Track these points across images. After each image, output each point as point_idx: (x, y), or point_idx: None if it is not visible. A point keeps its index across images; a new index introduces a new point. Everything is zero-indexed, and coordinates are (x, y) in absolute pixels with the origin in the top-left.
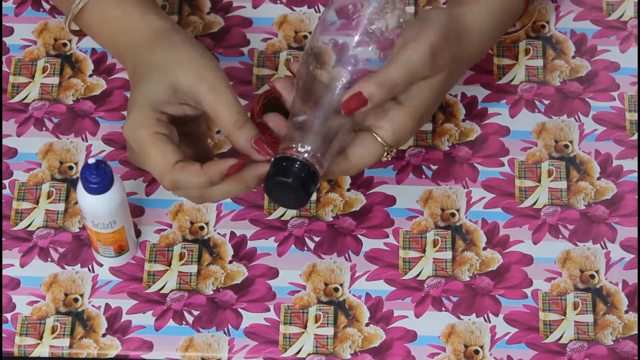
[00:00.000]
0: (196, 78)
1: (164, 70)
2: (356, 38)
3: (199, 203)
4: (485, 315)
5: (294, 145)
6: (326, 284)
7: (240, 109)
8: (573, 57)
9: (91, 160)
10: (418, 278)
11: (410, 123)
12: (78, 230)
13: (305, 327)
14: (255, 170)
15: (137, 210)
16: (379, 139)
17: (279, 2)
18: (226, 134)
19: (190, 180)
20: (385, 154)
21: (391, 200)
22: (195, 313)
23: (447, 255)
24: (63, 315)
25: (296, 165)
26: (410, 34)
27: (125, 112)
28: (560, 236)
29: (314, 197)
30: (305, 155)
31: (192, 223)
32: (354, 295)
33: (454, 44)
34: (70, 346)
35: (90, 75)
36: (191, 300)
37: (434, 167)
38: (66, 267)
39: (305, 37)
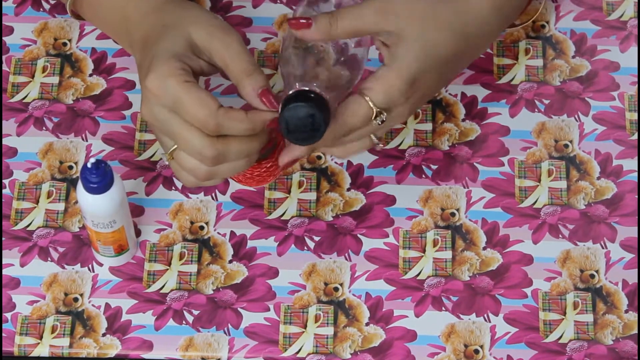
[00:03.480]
0: (207, 35)
1: (178, 28)
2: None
3: (206, 178)
4: (485, 315)
5: (297, 85)
6: (326, 284)
7: (251, 59)
8: (573, 57)
9: (91, 160)
10: (418, 278)
11: (399, 83)
12: (78, 229)
13: (305, 326)
14: (259, 115)
15: (137, 210)
16: (368, 100)
17: (279, 1)
18: (235, 82)
19: (234, 125)
20: (375, 116)
21: (391, 200)
22: (195, 313)
23: (447, 254)
24: (63, 315)
25: (309, 95)
26: None
27: (125, 112)
28: (560, 236)
29: (314, 196)
30: (314, 89)
31: (192, 223)
32: (353, 294)
33: (433, 3)
34: (70, 346)
35: (90, 75)
36: (191, 299)
37: (433, 167)
38: (66, 266)
39: None
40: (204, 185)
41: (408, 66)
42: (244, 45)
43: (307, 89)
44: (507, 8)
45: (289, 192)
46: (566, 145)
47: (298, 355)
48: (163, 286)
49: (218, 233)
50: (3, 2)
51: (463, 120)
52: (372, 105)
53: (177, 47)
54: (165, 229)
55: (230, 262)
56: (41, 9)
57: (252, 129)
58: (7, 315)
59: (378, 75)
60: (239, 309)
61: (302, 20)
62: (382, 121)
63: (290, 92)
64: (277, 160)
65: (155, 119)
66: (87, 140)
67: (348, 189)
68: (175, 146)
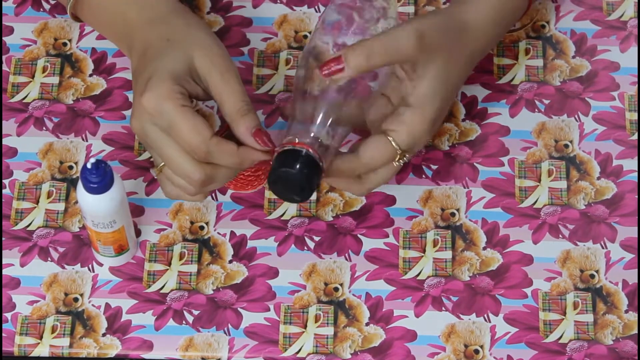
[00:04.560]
0: (209, 63)
1: (182, 48)
2: (355, 38)
3: (193, 194)
4: (485, 315)
5: (297, 139)
6: (326, 284)
7: (246, 99)
8: (573, 57)
9: (91, 160)
10: (418, 278)
11: (423, 127)
12: (78, 229)
13: (305, 326)
14: (250, 153)
15: (137, 210)
16: (392, 142)
17: (279, 1)
18: (229, 120)
19: (223, 157)
20: (398, 158)
21: (391, 200)
22: (195, 313)
23: (447, 255)
24: (63, 315)
25: (300, 157)
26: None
27: (125, 112)
28: (560, 236)
29: (314, 196)
30: (308, 147)
31: (192, 223)
32: (354, 295)
33: (451, 34)
34: (70, 346)
35: (90, 75)
36: (191, 299)
37: (434, 167)
38: (66, 266)
39: (305, 36)
40: (186, 199)
41: (432, 109)
42: (241, 83)
43: (299, 148)
44: (505, 21)
45: None
46: (566, 145)
47: (298, 355)
48: (163, 286)
49: (218, 233)
50: (3, 2)
51: (463, 120)
52: (395, 147)
53: (177, 68)
54: (165, 229)
55: (230, 262)
56: (41, 9)
57: (240, 164)
58: (7, 315)
59: (403, 118)
60: (239, 309)
61: (333, 65)
62: (405, 162)
63: (283, 148)
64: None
65: (146, 136)
66: (87, 140)
67: None
68: (164, 163)
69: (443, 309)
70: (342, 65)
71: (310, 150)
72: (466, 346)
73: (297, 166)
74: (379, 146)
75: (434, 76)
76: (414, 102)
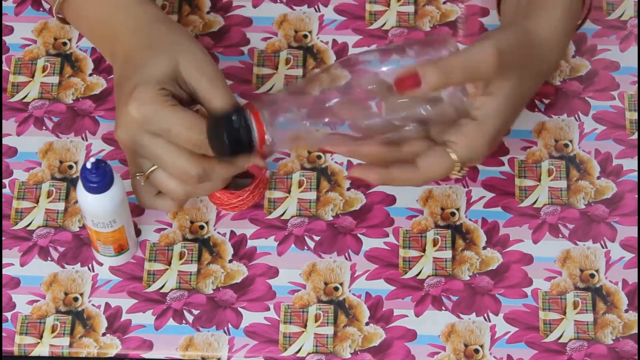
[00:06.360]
0: (196, 69)
1: (166, 54)
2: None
3: (183, 197)
4: (485, 315)
5: (261, 110)
6: (326, 283)
7: (236, 102)
8: (573, 57)
9: (91, 160)
10: (418, 277)
11: (484, 141)
12: (78, 229)
13: (305, 326)
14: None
15: (137, 210)
16: (451, 154)
17: (279, 1)
18: None
19: None
20: (456, 170)
21: (391, 199)
22: (195, 312)
23: (447, 254)
24: (63, 315)
25: (243, 118)
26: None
27: None
28: (560, 235)
29: (314, 196)
30: (259, 121)
31: (192, 222)
32: (353, 294)
33: (526, 51)
34: (70, 345)
35: (90, 75)
36: (191, 299)
37: None
38: (66, 266)
39: (305, 36)
40: (163, 208)
41: (495, 124)
42: (228, 88)
43: (248, 115)
44: (572, 29)
45: (289, 191)
46: (566, 145)
47: (298, 355)
48: (163, 286)
49: (218, 233)
50: (3, 2)
51: None
52: (455, 159)
53: (161, 74)
54: (165, 229)
55: (230, 261)
56: (41, 9)
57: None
58: (7, 314)
59: (465, 130)
60: (238, 308)
61: (409, 79)
62: (463, 176)
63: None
64: (252, 191)
65: (136, 144)
66: (87, 140)
67: (348, 189)
68: (154, 167)
69: (443, 308)
70: (418, 81)
71: (255, 122)
72: (466, 346)
73: (232, 121)
74: (438, 158)
75: (505, 94)
76: (478, 116)
